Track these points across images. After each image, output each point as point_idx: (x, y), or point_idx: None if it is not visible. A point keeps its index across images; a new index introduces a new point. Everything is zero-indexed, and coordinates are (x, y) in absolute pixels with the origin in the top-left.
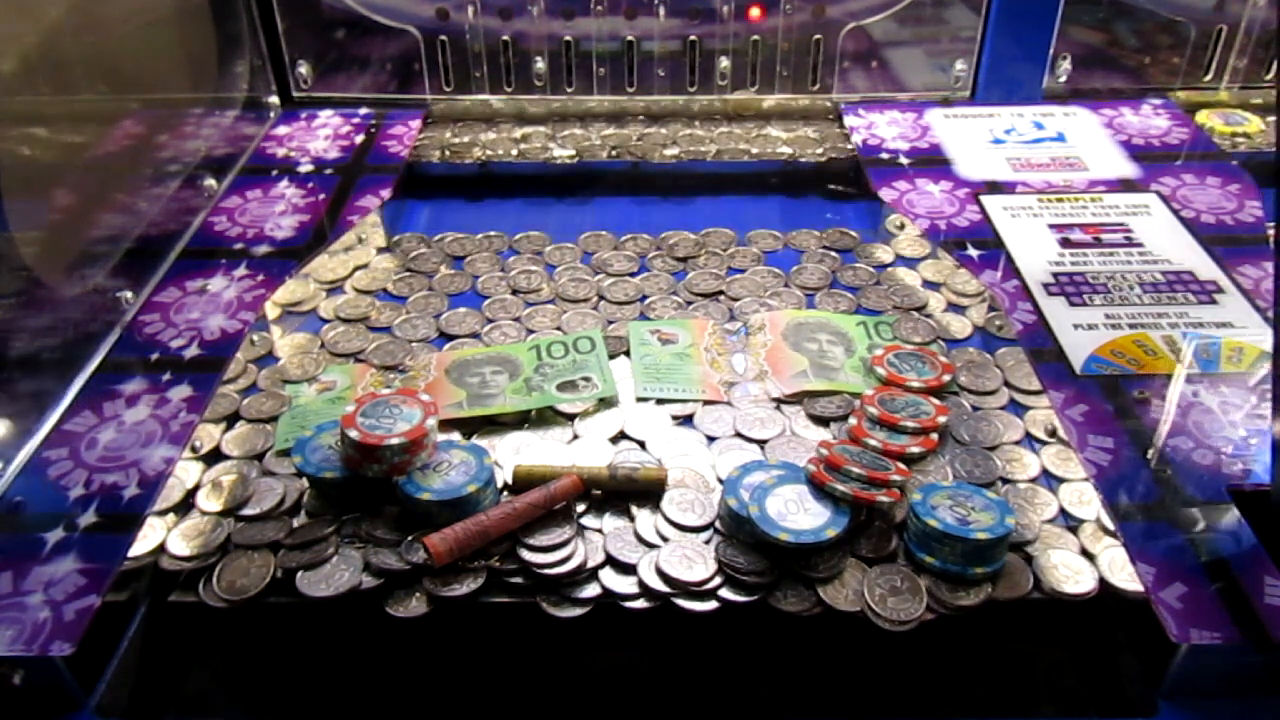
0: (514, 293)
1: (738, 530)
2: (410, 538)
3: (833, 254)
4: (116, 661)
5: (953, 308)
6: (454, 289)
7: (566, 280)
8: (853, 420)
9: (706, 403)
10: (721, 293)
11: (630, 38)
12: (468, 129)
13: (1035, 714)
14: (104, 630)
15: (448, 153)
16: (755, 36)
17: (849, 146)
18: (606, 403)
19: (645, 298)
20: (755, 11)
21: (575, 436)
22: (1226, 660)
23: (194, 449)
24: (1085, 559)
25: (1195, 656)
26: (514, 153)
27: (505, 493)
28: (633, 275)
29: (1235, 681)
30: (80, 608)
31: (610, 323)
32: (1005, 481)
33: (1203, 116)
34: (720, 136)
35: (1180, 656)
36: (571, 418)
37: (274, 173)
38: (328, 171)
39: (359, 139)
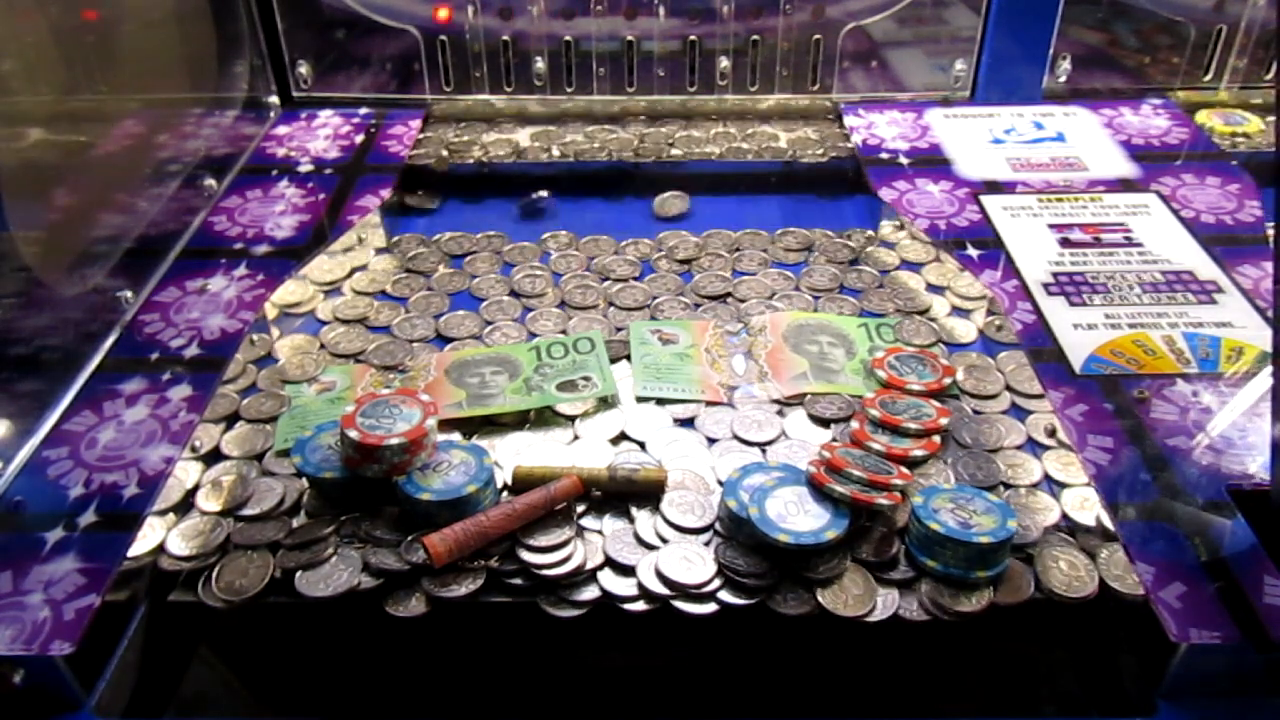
0: (513, 294)
1: (737, 532)
2: (410, 538)
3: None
4: (116, 661)
5: (956, 311)
6: (453, 289)
7: (573, 287)
8: (854, 424)
9: (707, 404)
10: (729, 295)
11: (630, 38)
12: (470, 129)
13: (1035, 714)
14: (104, 630)
15: (446, 153)
16: (755, 36)
17: (849, 145)
18: (606, 403)
19: (654, 299)
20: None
21: (575, 437)
22: (1226, 660)
23: (194, 449)
24: (1085, 559)
25: (1195, 656)
26: (512, 153)
27: (505, 493)
28: (638, 279)
29: (1234, 681)
30: (80, 607)
31: (619, 329)
32: (1007, 486)
33: (1202, 116)
34: (717, 137)
35: (1180, 656)
36: (571, 418)
37: (274, 173)
38: (328, 171)
39: (359, 139)
